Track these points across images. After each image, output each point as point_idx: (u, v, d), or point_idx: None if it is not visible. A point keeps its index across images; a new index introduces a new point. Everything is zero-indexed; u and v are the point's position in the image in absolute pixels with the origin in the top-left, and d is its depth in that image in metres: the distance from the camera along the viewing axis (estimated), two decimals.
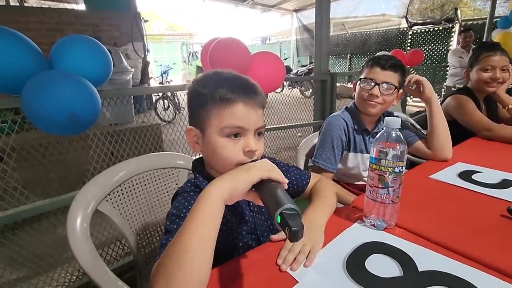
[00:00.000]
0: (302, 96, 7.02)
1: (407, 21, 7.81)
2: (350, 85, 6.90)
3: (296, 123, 2.70)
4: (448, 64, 4.23)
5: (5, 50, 1.03)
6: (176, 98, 4.76)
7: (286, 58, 11.58)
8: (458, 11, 6.90)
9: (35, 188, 1.56)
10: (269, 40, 14.56)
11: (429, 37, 7.54)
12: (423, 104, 1.16)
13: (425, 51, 7.21)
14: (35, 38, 1.13)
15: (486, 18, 5.30)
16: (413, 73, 4.58)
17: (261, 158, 0.62)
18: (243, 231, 0.68)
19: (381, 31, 8.96)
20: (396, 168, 0.61)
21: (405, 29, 8.09)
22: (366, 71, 1.09)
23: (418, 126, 1.54)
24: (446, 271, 0.51)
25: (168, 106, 4.82)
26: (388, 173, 0.62)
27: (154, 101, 4.70)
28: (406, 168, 0.66)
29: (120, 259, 1.52)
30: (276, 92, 2.46)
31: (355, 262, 0.54)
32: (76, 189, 1.39)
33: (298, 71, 8.87)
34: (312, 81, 5.46)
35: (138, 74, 5.05)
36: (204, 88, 0.60)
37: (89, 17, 4.81)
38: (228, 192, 0.46)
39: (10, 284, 1.43)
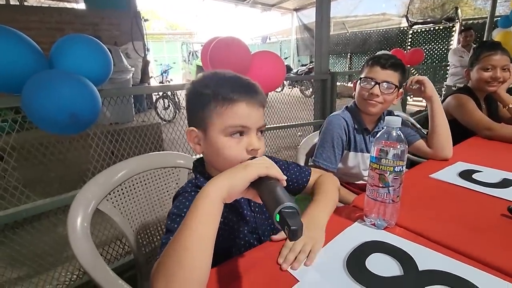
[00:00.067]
0: (302, 96, 7.02)
1: (407, 20, 7.80)
2: (350, 84, 6.90)
3: (296, 123, 2.70)
4: (448, 63, 4.23)
5: (6, 49, 1.03)
6: (176, 97, 4.76)
7: (287, 58, 11.57)
8: (459, 10, 6.89)
9: (35, 187, 1.56)
10: (269, 39, 14.54)
11: (429, 36, 7.53)
12: (423, 104, 1.17)
13: (425, 50, 7.21)
14: (35, 37, 1.13)
15: (486, 17, 5.28)
16: (413, 72, 4.58)
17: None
18: (244, 231, 0.68)
19: (381, 30, 8.95)
20: (396, 167, 0.61)
21: (406, 28, 8.08)
22: (366, 70, 1.09)
23: (418, 126, 1.54)
24: (446, 270, 0.51)
25: (168, 105, 4.82)
26: (388, 172, 0.62)
27: (154, 100, 4.70)
28: (406, 168, 0.66)
29: (121, 258, 1.52)
30: (277, 92, 2.46)
31: (355, 261, 0.54)
32: (76, 188, 1.39)
33: (298, 70, 8.86)
34: (312, 80, 5.46)
35: (138, 74, 5.06)
36: (206, 88, 0.60)
37: (89, 16, 4.81)
38: (226, 190, 0.46)
39: (11, 283, 1.43)
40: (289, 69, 8.90)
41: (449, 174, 0.94)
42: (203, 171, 0.67)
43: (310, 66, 8.18)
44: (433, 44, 7.43)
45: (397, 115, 1.08)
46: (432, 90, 1.12)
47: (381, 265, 0.53)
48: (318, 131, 1.21)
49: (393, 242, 0.60)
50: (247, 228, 0.68)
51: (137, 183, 0.86)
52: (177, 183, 0.95)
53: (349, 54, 9.75)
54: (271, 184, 0.46)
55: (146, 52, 5.28)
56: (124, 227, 0.80)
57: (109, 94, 1.50)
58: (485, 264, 0.53)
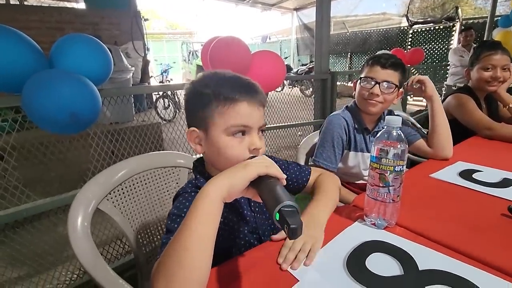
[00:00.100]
0: (303, 95, 7.00)
1: (407, 19, 7.79)
2: (350, 84, 6.90)
3: (297, 122, 2.70)
4: (448, 63, 4.23)
5: (6, 49, 1.03)
6: (176, 97, 4.76)
7: (287, 57, 11.56)
8: (459, 10, 6.88)
9: (35, 187, 1.56)
10: (269, 39, 14.53)
11: (429, 36, 7.52)
12: (423, 103, 1.17)
13: (425, 50, 7.19)
14: (35, 37, 1.13)
15: (487, 17, 5.28)
16: (413, 72, 4.57)
17: None
18: (244, 231, 0.68)
19: (381, 29, 8.94)
20: (396, 167, 0.61)
21: (406, 27, 8.07)
22: (366, 70, 1.09)
23: (419, 125, 1.54)
24: (446, 270, 0.51)
25: (169, 105, 4.82)
26: (388, 172, 0.62)
27: (154, 100, 4.70)
28: (406, 167, 0.66)
29: (121, 258, 1.52)
30: (277, 91, 2.46)
31: (355, 261, 0.54)
32: (76, 188, 1.39)
33: (298, 70, 8.85)
34: (312, 80, 5.46)
35: (138, 73, 5.06)
36: (206, 88, 0.60)
37: (89, 16, 4.81)
38: (226, 190, 0.46)
39: (12, 282, 1.43)
40: (289, 68, 8.89)
41: (449, 174, 0.94)
42: (203, 171, 0.67)
43: (310, 66, 8.18)
44: (433, 43, 7.43)
45: (397, 115, 1.08)
46: (433, 89, 1.12)
47: (381, 264, 0.53)
48: (318, 130, 1.21)
49: (393, 242, 0.60)
50: (247, 228, 0.68)
51: (137, 183, 0.86)
52: (177, 183, 0.95)
53: (349, 53, 9.74)
54: (271, 183, 0.46)
55: (146, 51, 5.28)
56: (124, 226, 0.80)
57: (109, 93, 1.50)
58: (485, 264, 0.53)
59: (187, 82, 0.66)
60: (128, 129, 1.76)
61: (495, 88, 1.45)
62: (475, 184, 0.86)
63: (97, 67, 1.25)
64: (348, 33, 9.83)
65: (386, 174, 0.62)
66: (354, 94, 1.15)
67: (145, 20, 5.27)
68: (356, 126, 1.14)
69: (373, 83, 1.05)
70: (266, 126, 0.67)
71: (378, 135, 0.65)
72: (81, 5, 5.64)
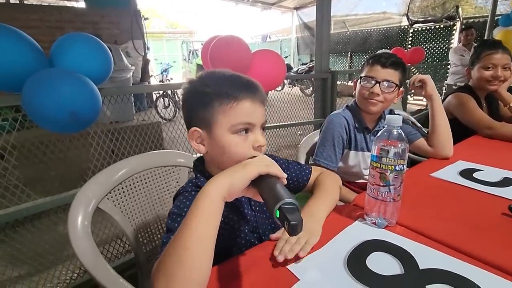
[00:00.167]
0: (303, 94, 7.01)
1: (408, 19, 7.78)
2: (350, 83, 6.88)
3: (297, 121, 2.70)
4: (449, 62, 4.22)
5: (6, 48, 1.03)
6: (176, 96, 4.76)
7: (287, 56, 11.54)
8: (460, 9, 6.86)
9: (36, 186, 1.56)
10: (270, 38, 14.51)
11: (430, 35, 7.51)
12: (424, 103, 1.17)
13: (426, 49, 7.18)
14: (35, 36, 1.13)
15: (487, 16, 5.27)
16: (414, 71, 4.57)
17: None
18: (245, 230, 0.68)
19: (382, 29, 8.93)
20: (397, 166, 0.61)
21: (406, 27, 8.05)
22: (366, 69, 1.09)
23: (419, 125, 1.53)
24: (447, 269, 0.51)
25: (169, 104, 4.82)
26: (389, 171, 0.62)
27: (154, 99, 4.70)
28: (406, 166, 0.66)
29: (121, 257, 1.52)
30: (277, 90, 2.46)
31: (356, 260, 0.54)
32: (77, 187, 1.39)
33: (298, 69, 8.84)
34: (312, 79, 5.45)
35: (139, 72, 5.06)
36: (207, 87, 0.59)
37: (89, 15, 4.81)
38: (227, 189, 0.46)
39: (12, 281, 1.44)
40: (289, 68, 8.88)
41: (449, 173, 0.94)
42: (203, 170, 0.67)
43: (311, 65, 8.17)
44: (433, 42, 7.42)
45: (397, 114, 1.08)
46: (433, 88, 1.12)
47: (381, 264, 0.53)
48: (319, 130, 1.21)
49: (394, 241, 0.60)
50: (248, 228, 0.68)
51: (137, 182, 0.86)
52: (177, 182, 0.95)
53: (349, 52, 9.72)
54: (271, 182, 0.46)
55: (146, 50, 5.28)
56: (124, 225, 0.80)
57: (109, 92, 1.50)
58: (486, 263, 0.53)
59: (185, 82, 0.65)
60: (128, 128, 1.76)
61: (496, 87, 1.45)
62: (476, 183, 0.86)
63: (97, 66, 1.25)
64: (348, 32, 9.82)
65: (386, 173, 0.62)
66: (355, 93, 1.15)
67: (145, 19, 5.27)
68: (356, 125, 1.14)
69: (373, 82, 1.05)
70: (267, 125, 0.67)
71: (378, 134, 0.65)
72: (81, 4, 5.63)
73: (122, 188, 0.81)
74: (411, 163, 1.42)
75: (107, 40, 4.25)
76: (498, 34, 3.94)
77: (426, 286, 0.48)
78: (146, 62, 5.37)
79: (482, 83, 1.47)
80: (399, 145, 0.62)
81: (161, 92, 4.73)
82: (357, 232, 0.64)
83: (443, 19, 7.15)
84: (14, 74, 1.06)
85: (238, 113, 0.58)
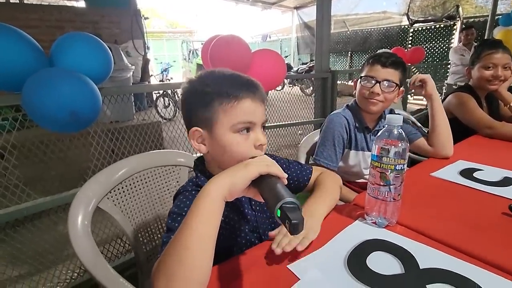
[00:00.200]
0: (303, 94, 7.00)
1: (408, 18, 7.76)
2: (351, 82, 6.89)
3: (297, 121, 2.70)
4: (449, 62, 4.22)
5: (6, 48, 1.03)
6: (176, 95, 4.75)
7: (287, 56, 11.53)
8: (460, 9, 6.85)
9: (36, 185, 1.56)
10: (270, 37, 14.49)
11: (430, 34, 7.50)
12: (424, 102, 1.16)
13: (426, 48, 7.17)
14: (35, 35, 1.13)
15: (488, 16, 5.26)
16: (414, 71, 4.57)
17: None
18: (245, 229, 0.68)
19: (382, 28, 8.92)
20: (397, 165, 0.61)
21: (406, 26, 8.05)
22: (367, 68, 1.09)
23: (419, 124, 1.53)
24: (447, 269, 0.51)
25: (169, 104, 4.82)
26: (389, 170, 0.62)
27: (154, 99, 4.70)
28: (407, 166, 0.66)
29: (121, 256, 1.52)
30: (277, 90, 2.45)
31: (356, 260, 0.54)
32: (77, 186, 1.39)
33: (298, 68, 8.83)
34: (312, 78, 5.45)
35: (139, 72, 5.06)
36: (207, 86, 0.59)
37: (89, 14, 4.81)
38: (227, 189, 0.46)
39: (12, 281, 1.44)
40: (289, 67, 8.87)
41: (450, 173, 0.94)
42: (204, 170, 0.67)
43: (311, 65, 8.16)
44: (434, 42, 7.41)
45: (398, 114, 1.08)
46: (433, 88, 1.12)
47: (382, 263, 0.53)
48: (319, 129, 1.21)
49: (394, 241, 0.60)
50: (248, 227, 0.68)
51: (137, 182, 0.86)
52: (177, 182, 0.95)
53: (349, 52, 9.72)
54: (272, 182, 0.46)
55: (146, 50, 5.28)
56: (124, 225, 0.80)
57: (110, 92, 1.50)
58: (486, 263, 0.53)
59: (184, 82, 0.65)
60: (128, 127, 1.76)
61: (496, 87, 1.45)
62: (476, 183, 0.86)
63: (97, 65, 1.25)
64: (348, 32, 9.81)
65: (387, 173, 0.62)
66: (355, 93, 1.15)
67: (145, 18, 5.27)
68: (357, 124, 1.14)
69: (373, 82, 1.05)
70: (267, 125, 0.67)
71: (379, 133, 0.65)
72: (81, 4, 5.63)
73: (122, 187, 0.81)
74: (411, 162, 1.42)
75: (107, 39, 4.24)
76: (498, 33, 3.94)
77: (427, 286, 0.48)
78: (146, 62, 5.37)
79: (482, 83, 1.47)
80: (400, 145, 0.62)
81: (161, 91, 4.73)
82: (358, 232, 0.64)
83: (444, 19, 7.14)
84: (14, 74, 1.06)
85: (239, 112, 0.58)
